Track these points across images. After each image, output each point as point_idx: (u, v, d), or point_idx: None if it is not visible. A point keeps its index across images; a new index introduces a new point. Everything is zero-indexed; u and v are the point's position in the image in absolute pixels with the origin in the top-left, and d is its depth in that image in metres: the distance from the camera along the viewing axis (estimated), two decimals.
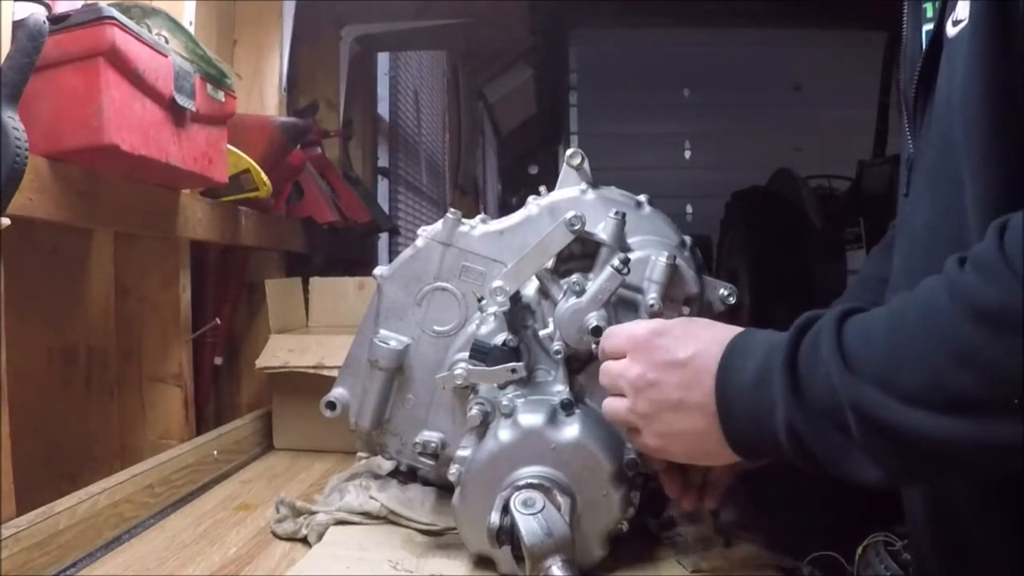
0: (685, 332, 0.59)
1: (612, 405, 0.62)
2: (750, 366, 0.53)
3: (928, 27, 0.59)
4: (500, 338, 0.74)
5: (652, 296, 0.71)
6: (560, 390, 0.71)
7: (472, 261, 0.79)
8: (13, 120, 0.71)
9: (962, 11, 0.52)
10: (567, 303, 0.70)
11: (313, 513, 0.83)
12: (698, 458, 0.61)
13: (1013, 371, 0.41)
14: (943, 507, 0.61)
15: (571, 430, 0.68)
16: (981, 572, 0.58)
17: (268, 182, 1.27)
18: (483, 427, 0.71)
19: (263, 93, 1.62)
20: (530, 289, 0.76)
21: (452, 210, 0.80)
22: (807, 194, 3.02)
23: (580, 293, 0.69)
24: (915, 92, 0.60)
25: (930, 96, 0.58)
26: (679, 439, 0.58)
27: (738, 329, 0.58)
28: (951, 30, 0.53)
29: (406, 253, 0.81)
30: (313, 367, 1.16)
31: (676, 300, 0.73)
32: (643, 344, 0.60)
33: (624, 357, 0.61)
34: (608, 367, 0.62)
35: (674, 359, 0.58)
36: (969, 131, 0.51)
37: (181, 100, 0.94)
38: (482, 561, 0.71)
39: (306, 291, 1.43)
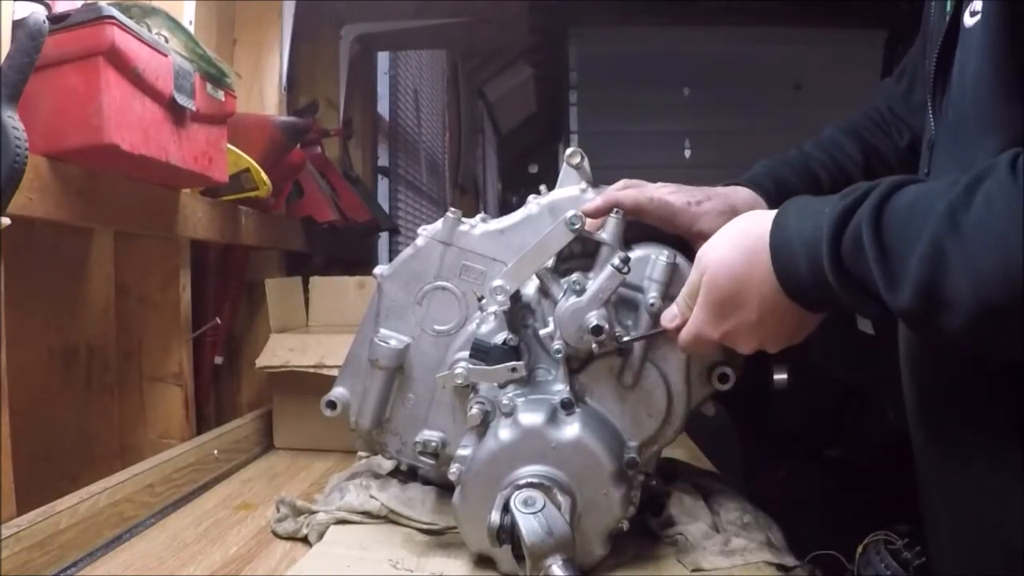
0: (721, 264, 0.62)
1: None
2: (799, 227, 0.56)
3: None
4: (500, 337, 0.74)
5: (653, 295, 0.71)
6: (560, 389, 0.71)
7: (472, 260, 0.79)
8: (13, 120, 0.71)
9: (979, 3, 0.54)
10: (567, 302, 0.70)
11: (313, 512, 0.83)
12: (767, 336, 0.63)
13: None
14: (962, 496, 0.62)
15: (571, 429, 0.68)
16: (1000, 555, 0.58)
17: (268, 181, 1.27)
18: (483, 426, 0.71)
19: (263, 92, 1.62)
20: (530, 288, 0.76)
21: (452, 209, 0.80)
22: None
23: (580, 292, 0.69)
24: (933, 78, 0.62)
25: (948, 81, 0.59)
26: (768, 336, 0.62)
27: (767, 223, 0.60)
28: (968, 20, 0.55)
29: (406, 252, 0.81)
30: (313, 366, 1.16)
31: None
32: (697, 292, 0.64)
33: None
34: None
35: (729, 296, 0.61)
36: (982, 118, 0.52)
37: (181, 99, 0.94)
38: (482, 560, 0.71)
39: (306, 290, 1.43)
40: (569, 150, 0.78)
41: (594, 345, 0.69)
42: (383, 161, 2.81)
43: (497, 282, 0.73)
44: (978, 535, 0.61)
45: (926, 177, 0.66)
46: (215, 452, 1.09)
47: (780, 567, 0.71)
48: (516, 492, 0.64)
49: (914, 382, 0.67)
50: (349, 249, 2.10)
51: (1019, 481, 0.56)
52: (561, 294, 0.71)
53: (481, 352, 0.73)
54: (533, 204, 0.79)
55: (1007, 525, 0.57)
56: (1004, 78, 0.51)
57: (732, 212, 0.74)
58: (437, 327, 0.80)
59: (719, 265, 0.62)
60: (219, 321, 1.35)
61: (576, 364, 0.73)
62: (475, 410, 0.71)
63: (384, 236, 2.59)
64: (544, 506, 0.62)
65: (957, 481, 0.63)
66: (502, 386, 0.73)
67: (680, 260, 0.73)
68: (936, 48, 0.62)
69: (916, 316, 0.50)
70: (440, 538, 0.78)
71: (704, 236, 0.73)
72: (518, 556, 0.62)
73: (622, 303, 0.72)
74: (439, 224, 0.80)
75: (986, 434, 0.59)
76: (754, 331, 0.62)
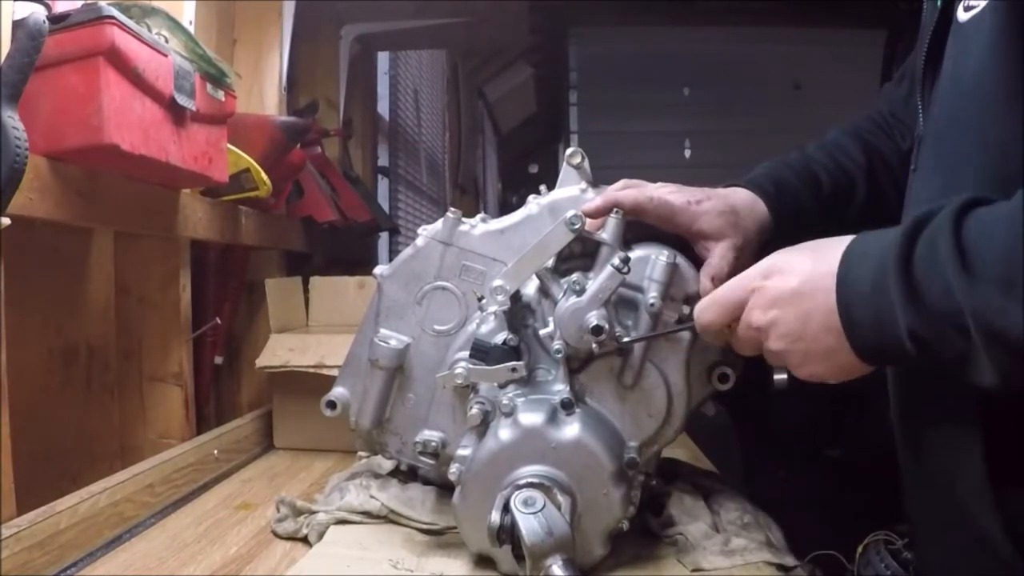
0: (791, 257, 0.59)
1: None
2: (865, 273, 0.52)
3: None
4: (500, 337, 0.74)
5: (652, 295, 0.71)
6: (560, 389, 0.71)
7: (472, 260, 0.79)
8: (13, 120, 0.71)
9: None
10: (567, 302, 0.70)
11: (313, 512, 0.83)
12: (837, 375, 0.59)
13: None
14: (948, 499, 0.62)
15: (571, 429, 0.68)
16: (989, 559, 0.58)
17: (268, 181, 1.27)
18: (483, 426, 0.71)
19: (263, 92, 1.62)
20: (530, 288, 0.76)
21: (452, 209, 0.80)
22: None
23: (580, 292, 0.69)
24: (923, 72, 0.62)
25: (937, 75, 0.59)
26: (817, 362, 0.58)
27: (846, 239, 0.57)
28: (962, 15, 0.55)
29: (406, 252, 0.81)
30: (313, 366, 1.16)
31: (676, 299, 0.73)
32: (754, 285, 0.60)
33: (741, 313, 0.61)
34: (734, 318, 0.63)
35: (785, 290, 0.57)
36: (984, 113, 0.52)
37: (181, 99, 0.94)
38: (483, 560, 0.71)
39: (306, 290, 1.43)
40: (569, 150, 0.78)
41: (594, 345, 0.69)
42: (383, 161, 2.81)
43: (497, 282, 0.73)
44: (951, 531, 0.62)
45: (913, 172, 0.66)
46: (215, 452, 1.09)
47: (780, 567, 0.71)
48: (516, 492, 0.64)
49: (895, 386, 0.67)
50: (349, 249, 2.10)
51: (984, 485, 0.57)
52: (561, 294, 0.71)
53: (481, 352, 0.73)
54: (533, 204, 0.79)
55: (977, 523, 0.58)
56: (1008, 73, 0.50)
57: (732, 212, 0.74)
58: (437, 327, 0.80)
59: (790, 262, 0.59)
60: (219, 321, 1.35)
61: (576, 364, 0.73)
62: (475, 410, 0.71)
63: (384, 236, 2.59)
64: (544, 506, 0.62)
65: (929, 481, 0.63)
66: (502, 386, 0.73)
67: (680, 260, 0.73)
68: (926, 42, 0.61)
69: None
70: (440, 538, 0.78)
71: (704, 235, 0.73)
72: (518, 556, 0.62)
73: (622, 303, 0.72)
74: (439, 224, 0.80)
75: (950, 435, 0.60)
76: (794, 341, 0.58)
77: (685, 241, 0.75)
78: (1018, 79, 0.50)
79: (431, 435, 0.78)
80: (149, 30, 0.92)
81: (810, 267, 0.57)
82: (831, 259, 0.55)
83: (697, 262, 0.75)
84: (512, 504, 0.63)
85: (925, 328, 0.48)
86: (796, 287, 0.57)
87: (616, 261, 0.68)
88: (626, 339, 0.71)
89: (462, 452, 0.71)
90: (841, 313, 0.54)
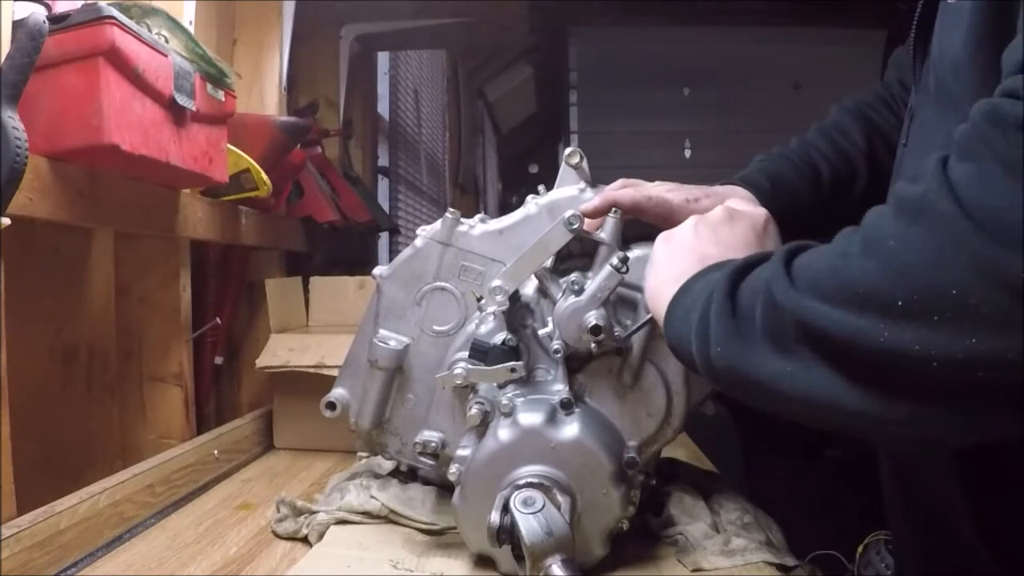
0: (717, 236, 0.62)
1: None
2: (696, 291, 0.55)
3: None
4: (499, 337, 0.74)
5: None
6: (560, 389, 0.71)
7: (471, 260, 0.79)
8: (13, 120, 0.71)
9: None
10: (566, 302, 0.70)
11: (314, 512, 0.83)
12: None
13: (906, 263, 0.38)
14: (913, 488, 0.62)
15: (571, 429, 0.68)
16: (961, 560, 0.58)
17: (268, 181, 1.27)
18: (483, 426, 0.71)
19: (263, 92, 1.62)
20: (529, 288, 0.76)
21: (451, 210, 0.80)
22: None
23: (579, 292, 0.69)
24: (913, 48, 0.63)
25: (927, 52, 0.59)
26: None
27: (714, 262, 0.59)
28: None
29: (405, 253, 0.81)
30: (313, 366, 1.16)
31: None
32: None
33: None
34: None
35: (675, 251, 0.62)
36: (963, 91, 0.52)
37: (181, 100, 0.94)
38: (482, 560, 0.71)
39: (306, 290, 1.43)
40: (568, 150, 0.78)
41: (593, 345, 0.69)
42: (383, 161, 2.81)
43: (496, 282, 0.73)
44: (925, 531, 0.62)
45: (903, 146, 0.67)
46: (215, 452, 1.09)
47: (780, 567, 0.71)
48: (516, 492, 0.64)
49: None
50: (349, 249, 2.10)
51: (959, 487, 0.57)
52: (560, 294, 0.71)
53: (480, 352, 0.73)
54: (532, 204, 0.79)
55: (949, 523, 0.58)
56: (982, 52, 0.50)
57: None
58: (436, 328, 0.80)
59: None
60: (219, 321, 1.35)
61: (575, 364, 0.73)
62: (474, 410, 0.71)
63: (384, 236, 2.59)
64: (544, 506, 0.62)
65: (903, 481, 0.64)
66: (501, 386, 0.73)
67: None
68: (915, 17, 0.62)
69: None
70: (440, 538, 0.78)
71: None
72: (518, 556, 0.62)
73: (621, 302, 0.72)
74: (438, 224, 0.80)
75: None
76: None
77: None
78: (992, 58, 0.49)
79: (431, 435, 0.78)
80: (149, 30, 0.92)
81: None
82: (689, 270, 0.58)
83: None
84: (512, 504, 0.63)
85: (721, 315, 0.50)
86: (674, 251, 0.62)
87: (615, 261, 0.68)
88: (624, 333, 0.71)
89: (462, 452, 0.71)
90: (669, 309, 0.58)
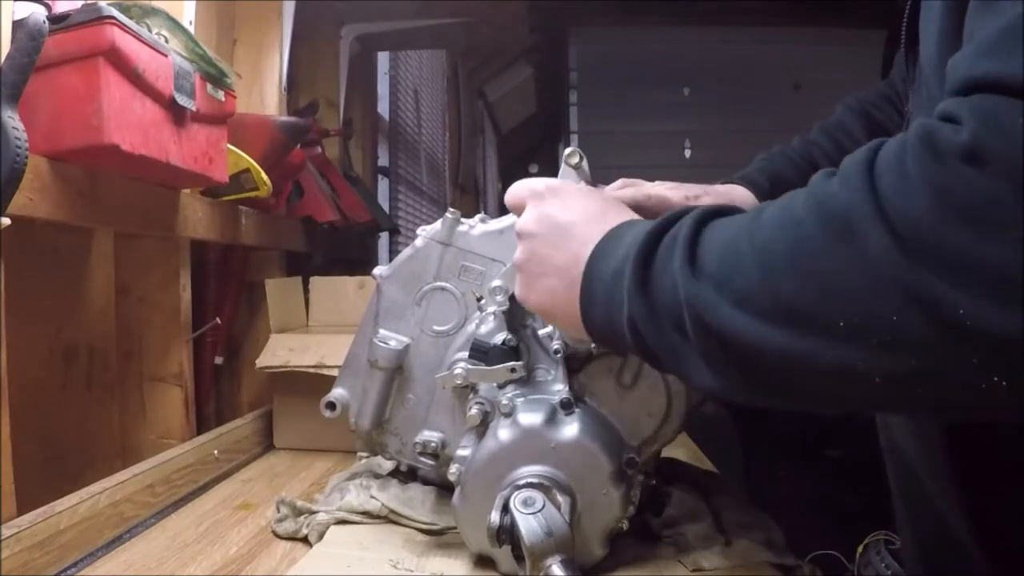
0: (580, 199, 0.60)
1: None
2: (615, 256, 0.52)
3: None
4: (499, 337, 0.74)
5: None
6: (560, 389, 0.71)
7: (471, 260, 0.79)
8: (13, 120, 0.71)
9: None
10: None
11: (314, 512, 0.83)
12: (556, 320, 0.61)
13: (844, 287, 0.38)
14: (909, 486, 0.62)
15: (571, 429, 0.68)
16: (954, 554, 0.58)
17: (268, 181, 1.27)
18: (483, 426, 0.71)
19: (263, 92, 1.62)
20: None
21: (451, 210, 0.80)
22: None
23: None
24: (905, 48, 0.63)
25: (918, 53, 0.59)
26: (544, 295, 0.59)
27: (627, 217, 0.58)
28: None
29: (405, 253, 0.81)
30: (313, 366, 1.16)
31: None
32: (539, 195, 0.61)
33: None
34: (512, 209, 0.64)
35: (558, 220, 0.58)
36: (941, 94, 0.52)
37: (181, 100, 0.94)
38: (482, 560, 0.71)
39: (306, 290, 1.43)
40: (568, 150, 0.77)
41: (593, 345, 0.69)
42: (383, 161, 2.81)
43: (496, 282, 0.73)
44: (920, 523, 0.62)
45: None
46: (215, 452, 1.09)
47: (780, 567, 0.71)
48: (516, 492, 0.64)
49: None
50: (349, 249, 2.09)
51: (954, 489, 0.57)
52: None
53: (480, 352, 0.73)
54: None
55: (942, 517, 0.58)
56: (954, 50, 0.50)
57: None
58: (436, 328, 0.80)
59: (574, 202, 0.60)
60: (219, 321, 1.35)
61: (575, 364, 0.73)
62: (474, 410, 0.71)
63: (384, 236, 2.59)
64: (544, 506, 0.62)
65: (901, 474, 0.64)
66: (501, 386, 0.73)
67: None
68: (904, 17, 0.61)
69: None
70: (440, 538, 0.78)
71: None
72: (518, 556, 0.62)
73: None
74: (438, 224, 0.80)
75: (916, 430, 0.61)
76: (537, 267, 0.59)
77: None
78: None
79: (431, 435, 0.78)
80: (149, 30, 0.92)
81: (590, 218, 0.57)
82: (599, 231, 0.55)
83: None
84: (512, 504, 0.63)
85: (645, 319, 0.48)
86: (565, 225, 0.57)
87: None
88: None
89: (462, 452, 0.71)
90: (583, 286, 0.54)
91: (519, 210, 0.62)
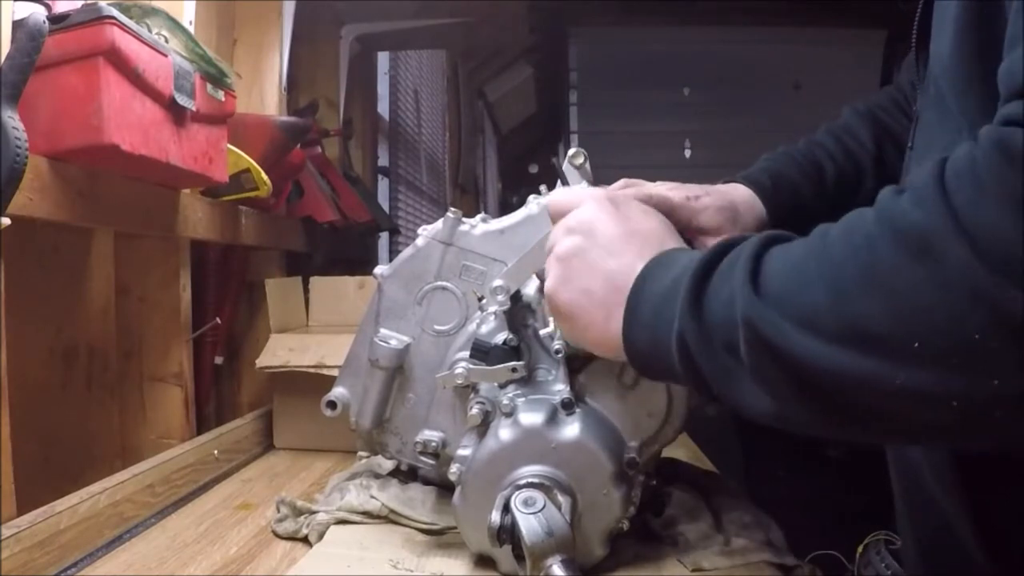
0: (643, 215, 0.59)
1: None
2: (667, 277, 0.51)
3: None
4: (501, 337, 0.74)
5: None
6: (561, 389, 0.71)
7: (472, 260, 0.79)
8: (13, 120, 0.71)
9: None
10: None
11: (314, 512, 0.83)
12: (577, 323, 0.58)
13: (921, 306, 0.36)
14: (914, 490, 0.62)
15: (572, 429, 0.68)
16: (954, 551, 0.58)
17: (268, 181, 1.27)
18: (484, 426, 0.71)
19: (263, 92, 1.62)
20: (531, 288, 0.76)
21: (452, 209, 0.80)
22: None
23: None
24: (915, 50, 0.62)
25: (928, 54, 0.59)
26: (579, 295, 0.57)
27: (681, 244, 0.57)
28: None
29: (406, 252, 0.81)
30: (313, 366, 1.16)
31: None
32: (600, 199, 0.60)
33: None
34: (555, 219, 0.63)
35: (618, 228, 0.57)
36: (957, 94, 0.51)
37: (181, 99, 0.94)
38: (483, 560, 0.71)
39: (306, 290, 1.43)
40: (572, 150, 0.77)
41: None
42: (383, 161, 2.81)
43: (497, 282, 0.73)
44: (921, 519, 0.62)
45: (909, 150, 0.66)
46: (215, 452, 1.09)
47: (780, 567, 0.71)
48: (516, 492, 0.64)
49: None
50: (349, 249, 2.09)
51: (956, 495, 0.57)
52: None
53: (481, 352, 0.73)
54: (533, 204, 0.79)
55: (943, 514, 0.58)
56: (973, 52, 0.48)
57: (731, 208, 0.74)
58: (437, 327, 0.80)
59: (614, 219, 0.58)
60: (219, 321, 1.35)
61: (576, 364, 0.73)
62: (475, 410, 0.71)
63: (384, 236, 2.59)
64: (544, 506, 0.62)
65: (902, 468, 0.64)
66: (502, 386, 0.72)
67: None
68: (916, 18, 0.61)
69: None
70: (440, 538, 0.78)
71: (703, 231, 0.73)
72: (518, 556, 0.62)
73: None
74: (439, 224, 0.80)
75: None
76: (571, 284, 0.58)
77: (685, 238, 0.75)
78: (976, 59, 0.48)
79: (431, 435, 0.78)
80: (149, 30, 0.92)
81: (643, 236, 0.57)
82: (657, 250, 0.55)
83: None
84: (512, 504, 0.63)
85: (695, 335, 0.46)
86: (625, 234, 0.56)
87: None
88: None
89: (462, 452, 0.71)
90: (630, 301, 0.53)
91: (565, 214, 0.61)
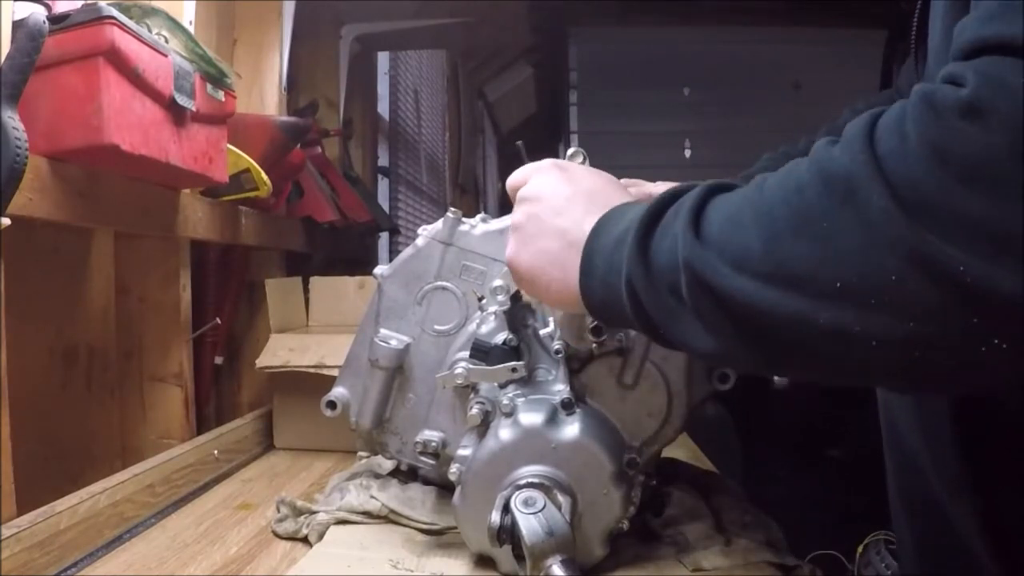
0: (587, 174, 0.61)
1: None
2: (617, 228, 0.53)
3: None
4: (500, 337, 0.74)
5: None
6: (560, 389, 0.71)
7: (472, 260, 0.79)
8: (13, 120, 0.71)
9: None
10: None
11: (314, 512, 0.83)
12: (541, 284, 0.59)
13: (842, 249, 0.38)
14: (908, 473, 0.62)
15: (571, 429, 0.68)
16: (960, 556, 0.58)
17: (268, 181, 1.27)
18: (484, 426, 0.71)
19: (263, 92, 1.62)
20: None
21: (452, 209, 0.80)
22: None
23: None
24: (916, 47, 0.63)
25: (926, 54, 0.59)
26: (538, 256, 0.59)
27: (628, 199, 0.58)
28: None
29: (406, 252, 0.81)
30: (313, 366, 1.16)
31: None
32: (544, 169, 0.62)
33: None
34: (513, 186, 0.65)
35: (563, 189, 0.59)
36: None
37: (181, 100, 0.94)
38: (483, 560, 0.71)
39: (306, 290, 1.43)
40: (570, 150, 0.77)
41: (594, 345, 0.68)
42: (383, 161, 2.81)
43: (497, 282, 0.73)
44: (925, 522, 0.62)
45: None
46: (215, 452, 1.09)
47: (780, 567, 0.71)
48: (516, 492, 0.64)
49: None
50: (349, 249, 2.10)
51: (963, 490, 0.57)
52: None
53: (481, 352, 0.73)
54: None
55: (958, 531, 0.58)
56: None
57: None
58: (437, 327, 0.80)
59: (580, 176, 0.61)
60: (219, 321, 1.35)
61: (576, 364, 0.73)
62: (475, 410, 0.71)
63: (384, 236, 2.59)
64: (544, 506, 0.62)
65: (909, 482, 0.64)
66: (502, 386, 0.73)
67: None
68: (915, 18, 0.62)
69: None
70: (440, 538, 0.78)
71: None
72: (518, 556, 0.62)
73: None
74: (439, 224, 0.80)
75: (925, 424, 0.60)
76: (531, 235, 0.59)
77: None
78: None
79: (431, 435, 0.78)
80: (149, 30, 0.92)
81: (588, 193, 0.58)
82: (604, 204, 0.56)
83: None
84: (512, 504, 0.63)
85: (642, 281, 0.48)
86: (570, 194, 0.58)
87: None
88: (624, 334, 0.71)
89: (462, 452, 0.71)
90: (584, 254, 0.54)
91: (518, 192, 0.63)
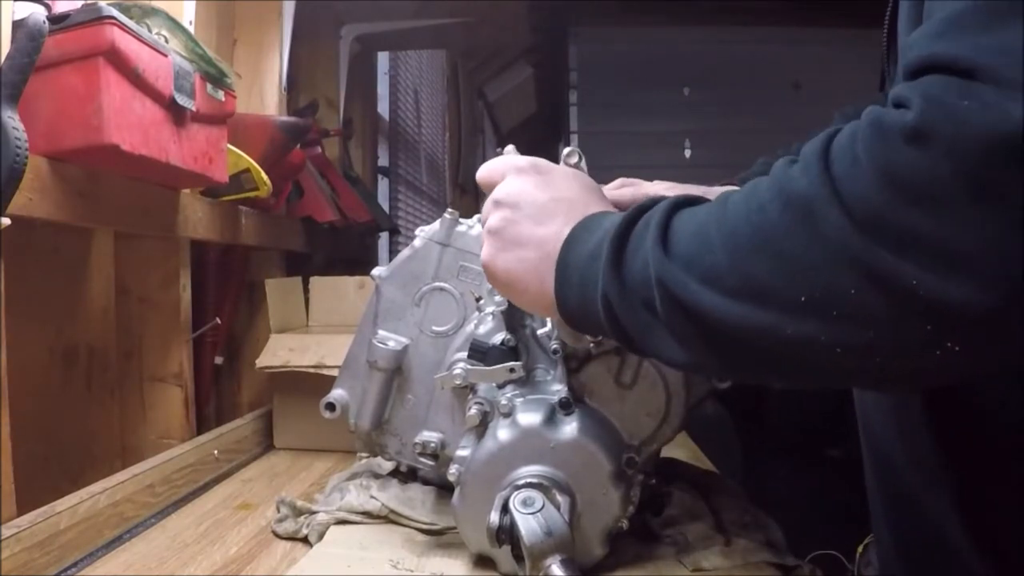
0: (565, 179, 0.61)
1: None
2: (591, 240, 0.54)
3: None
4: (498, 337, 0.74)
5: None
6: (559, 389, 0.71)
7: (470, 261, 0.79)
8: (13, 120, 0.71)
9: None
10: None
11: (314, 512, 0.83)
12: (515, 290, 0.60)
13: (805, 265, 0.41)
14: (888, 475, 0.62)
15: (570, 429, 0.68)
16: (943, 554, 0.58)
17: (268, 181, 1.27)
18: (482, 427, 0.71)
19: (263, 92, 1.62)
20: None
21: (450, 210, 0.80)
22: None
23: None
24: (887, 46, 0.64)
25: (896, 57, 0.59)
26: (514, 264, 0.59)
27: (606, 206, 0.59)
28: None
29: (404, 253, 0.81)
30: (313, 366, 1.16)
31: None
32: (522, 169, 0.61)
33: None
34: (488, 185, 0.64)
35: (540, 196, 0.59)
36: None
37: (181, 100, 0.94)
38: (482, 560, 0.71)
39: (306, 290, 1.43)
40: (567, 150, 0.77)
41: (592, 345, 0.68)
42: (383, 161, 2.81)
43: None
44: (905, 524, 0.62)
45: None
46: (215, 452, 1.09)
47: (780, 567, 0.71)
48: (515, 492, 0.64)
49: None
50: (349, 249, 2.10)
51: (945, 493, 0.57)
52: None
53: (479, 352, 0.73)
54: None
55: (940, 527, 0.58)
56: None
57: None
58: (435, 328, 0.80)
59: (554, 179, 0.61)
60: (219, 321, 1.35)
61: (574, 364, 0.73)
62: (474, 411, 0.71)
63: (384, 236, 2.59)
64: (543, 506, 0.62)
65: (885, 476, 0.64)
66: (500, 386, 0.73)
67: None
68: (885, 20, 0.62)
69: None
70: (440, 538, 0.78)
71: None
72: (517, 556, 0.62)
73: None
74: (436, 225, 0.80)
75: (902, 425, 0.61)
76: (508, 244, 0.59)
77: None
78: None
79: (430, 436, 0.78)
80: (149, 30, 0.92)
81: (567, 201, 0.59)
82: (581, 213, 0.57)
83: None
84: (511, 504, 0.63)
85: (617, 296, 0.50)
86: (548, 201, 0.59)
87: None
88: None
89: (461, 453, 0.71)
90: (559, 265, 0.55)
91: (492, 186, 0.63)
